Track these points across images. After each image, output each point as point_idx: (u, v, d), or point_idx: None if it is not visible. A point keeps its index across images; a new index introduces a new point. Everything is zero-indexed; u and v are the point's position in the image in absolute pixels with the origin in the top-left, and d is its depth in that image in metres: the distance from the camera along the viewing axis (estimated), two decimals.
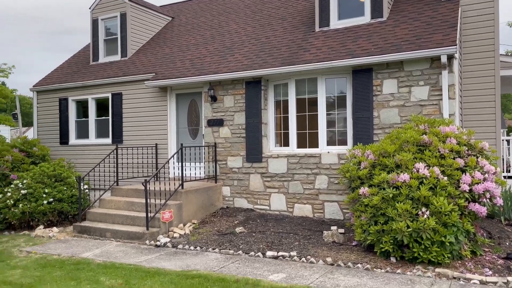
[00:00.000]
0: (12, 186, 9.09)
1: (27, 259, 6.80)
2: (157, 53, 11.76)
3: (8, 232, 8.94)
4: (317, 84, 8.62)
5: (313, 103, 8.71)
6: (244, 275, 5.52)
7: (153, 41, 12.70)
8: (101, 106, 11.59)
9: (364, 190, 6.08)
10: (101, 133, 11.52)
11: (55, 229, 8.75)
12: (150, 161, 10.45)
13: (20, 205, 8.72)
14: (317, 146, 8.64)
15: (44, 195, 8.91)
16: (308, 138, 8.79)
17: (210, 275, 5.55)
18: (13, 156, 9.93)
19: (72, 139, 11.92)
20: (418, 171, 5.81)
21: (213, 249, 6.93)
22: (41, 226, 8.88)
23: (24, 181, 9.08)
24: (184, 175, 8.64)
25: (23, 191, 8.87)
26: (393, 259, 5.85)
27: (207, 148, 9.70)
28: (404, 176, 5.77)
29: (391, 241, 5.70)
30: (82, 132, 11.86)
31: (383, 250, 5.84)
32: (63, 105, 11.99)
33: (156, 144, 10.47)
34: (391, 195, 5.74)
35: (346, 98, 8.40)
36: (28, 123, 41.50)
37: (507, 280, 4.95)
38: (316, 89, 8.64)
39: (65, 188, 9.31)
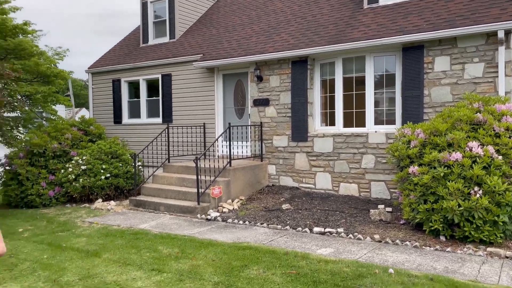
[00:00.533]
0: (72, 162, 9.76)
1: (89, 229, 7.37)
2: (204, 34, 11.99)
3: (70, 204, 9.67)
4: (365, 62, 8.52)
5: (360, 82, 8.63)
6: (293, 249, 5.73)
7: (200, 23, 12.94)
8: (152, 87, 12.06)
9: (413, 169, 6.06)
10: (152, 113, 12.01)
11: (112, 202, 9.35)
12: (198, 139, 10.82)
13: (81, 179, 9.38)
14: (364, 126, 8.60)
15: (102, 171, 9.52)
16: (354, 117, 8.76)
17: (260, 247, 5.80)
18: (73, 134, 10.61)
19: (125, 119, 12.52)
20: (471, 150, 5.70)
21: (261, 224, 7.18)
22: (100, 200, 9.52)
23: (84, 158, 9.72)
24: (231, 153, 8.92)
25: (83, 167, 9.51)
26: (442, 238, 5.83)
27: (253, 127, 9.90)
28: (456, 155, 5.68)
29: (441, 219, 5.67)
30: (134, 112, 12.41)
31: (432, 228, 5.83)
32: (116, 86, 12.57)
33: (204, 123, 10.80)
34: (442, 174, 5.69)
35: (395, 76, 8.26)
36: (79, 104, 43.60)
37: None
38: (364, 67, 8.54)
39: (120, 164, 9.88)
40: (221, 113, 10.75)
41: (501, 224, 5.35)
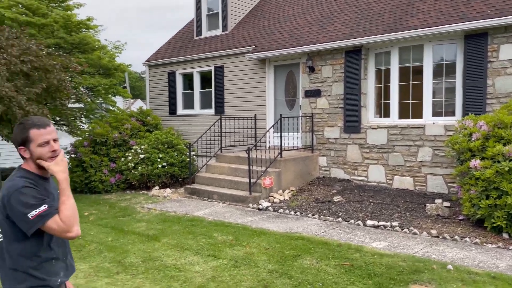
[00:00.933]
0: (131, 151, 10.27)
1: (148, 214, 7.76)
2: (256, 25, 12.07)
3: (129, 191, 10.21)
4: (423, 51, 8.20)
5: (417, 71, 8.33)
6: (346, 241, 5.71)
7: (251, 14, 13.03)
8: (205, 79, 12.35)
9: (475, 162, 5.80)
10: (204, 104, 12.32)
11: (168, 190, 9.76)
12: (249, 130, 10.97)
13: (139, 167, 9.86)
14: (420, 117, 8.31)
15: (159, 160, 9.94)
16: (411, 109, 8.48)
17: (312, 238, 5.84)
18: (131, 125, 11.15)
19: (180, 110, 12.95)
20: None
21: (313, 215, 7.21)
22: (157, 187, 9.97)
23: (142, 147, 10.20)
24: (282, 144, 8.97)
25: (141, 156, 9.99)
26: (505, 235, 5.56)
27: (304, 118, 9.88)
28: None
29: (505, 216, 5.41)
30: (188, 103, 12.80)
31: (494, 225, 5.57)
32: (171, 78, 13.01)
33: (255, 114, 10.93)
34: (506, 169, 5.40)
35: (456, 65, 7.88)
36: (134, 96, 45.51)
37: None
38: (422, 56, 8.22)
39: (175, 154, 10.27)
40: (272, 104, 10.82)
41: None
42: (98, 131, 10.43)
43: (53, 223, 1.95)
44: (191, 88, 12.64)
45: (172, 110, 13.04)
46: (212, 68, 11.86)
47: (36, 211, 1.92)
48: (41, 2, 11.60)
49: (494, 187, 5.54)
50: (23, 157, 2.11)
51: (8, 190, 1.97)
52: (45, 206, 1.94)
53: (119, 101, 25.08)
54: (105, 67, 11.95)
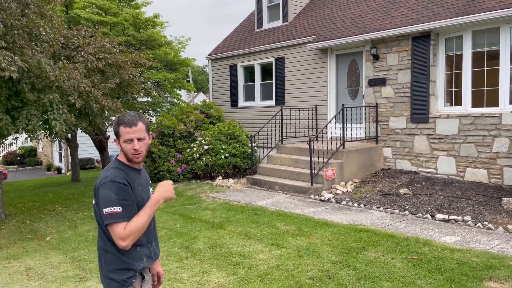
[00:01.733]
0: (196, 142, 10.66)
1: (213, 203, 8.04)
2: (317, 15, 11.89)
3: (195, 180, 10.63)
4: (499, 34, 7.61)
5: (493, 56, 7.75)
6: (413, 234, 5.53)
7: (312, 3, 12.85)
8: (265, 71, 12.44)
9: None
10: (265, 96, 12.43)
11: (231, 180, 10.02)
12: (310, 121, 10.91)
13: (204, 158, 10.22)
14: (496, 105, 7.74)
15: (222, 151, 10.23)
16: (485, 96, 7.93)
17: (377, 231, 5.72)
18: (196, 117, 11.56)
19: (241, 102, 13.18)
20: None
21: (377, 207, 7.04)
22: (220, 177, 10.27)
23: (206, 138, 10.55)
24: (344, 135, 8.82)
25: (205, 147, 10.33)
26: None
27: (368, 108, 9.62)
28: None
29: None
30: (249, 95, 12.98)
31: None
32: (232, 71, 13.26)
33: (316, 105, 10.83)
34: None
35: None
36: (197, 89, 46.98)
37: None
38: (498, 40, 7.63)
39: (237, 145, 10.50)
40: (333, 94, 10.65)
41: None
42: (165, 123, 10.94)
43: (116, 226, 2.04)
44: (252, 80, 12.80)
45: (234, 102, 13.30)
46: (273, 60, 11.90)
47: (111, 209, 2.05)
48: (113, 2, 12.33)
49: None
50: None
51: (100, 179, 2.14)
52: (119, 209, 2.05)
53: (183, 94, 26.03)
54: (171, 62, 12.46)
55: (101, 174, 2.19)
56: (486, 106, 7.90)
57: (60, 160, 22.83)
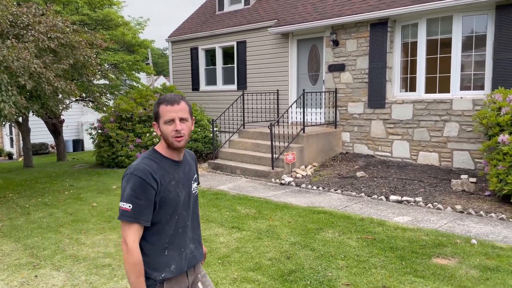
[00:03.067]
0: None
1: None
2: None
3: None
4: (452, 23, 7.91)
5: (445, 44, 8.06)
6: (368, 215, 5.74)
7: None
8: (227, 54, 12.32)
9: (503, 137, 5.66)
10: (227, 80, 12.33)
11: None
12: (271, 106, 10.96)
13: None
14: (448, 91, 8.10)
15: None
16: (438, 83, 8.27)
17: (335, 212, 5.89)
18: (156, 100, 11.28)
19: (202, 86, 13.01)
20: None
21: (335, 190, 7.24)
22: None
23: None
24: (305, 120, 8.94)
25: None
26: None
27: (327, 94, 9.78)
28: None
29: None
30: (211, 79, 12.83)
31: None
32: (193, 54, 13.03)
33: (278, 90, 10.88)
34: None
35: (486, 37, 7.59)
36: (156, 72, 45.81)
37: None
38: (450, 28, 7.94)
39: (199, 129, 10.39)
40: (294, 79, 10.73)
41: None
42: (123, 107, 10.63)
43: (125, 226, 1.86)
44: (214, 64, 12.64)
45: (195, 86, 13.11)
46: (235, 43, 11.79)
47: (122, 204, 1.86)
48: None
49: None
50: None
51: (128, 169, 1.93)
52: (129, 206, 1.84)
53: (143, 77, 25.34)
54: (128, 43, 12.06)
55: (133, 162, 2.00)
56: (439, 92, 8.25)
57: (11, 145, 21.75)
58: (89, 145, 17.89)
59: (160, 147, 1.99)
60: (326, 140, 9.29)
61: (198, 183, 2.20)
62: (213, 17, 13.16)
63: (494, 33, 7.36)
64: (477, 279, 3.70)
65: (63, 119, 12.77)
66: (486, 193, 6.36)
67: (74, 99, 11.37)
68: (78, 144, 21.95)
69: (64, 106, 10.64)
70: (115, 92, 13.79)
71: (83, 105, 13.90)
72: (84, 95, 10.03)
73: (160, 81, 34.41)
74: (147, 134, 10.46)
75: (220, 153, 9.76)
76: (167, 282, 1.96)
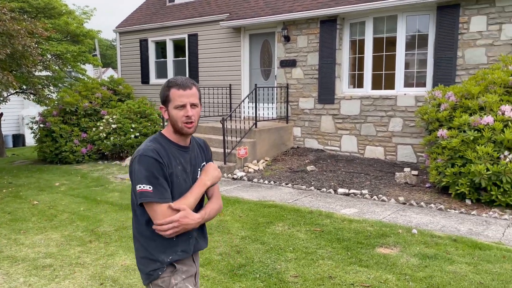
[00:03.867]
0: (103, 120, 10.05)
1: (122, 184, 7.70)
2: None
3: (102, 161, 10.07)
4: (396, 22, 8.24)
5: (391, 42, 8.39)
6: (317, 208, 5.86)
7: None
8: (178, 47, 12.07)
9: (442, 132, 5.98)
10: (178, 73, 12.09)
11: None
12: (224, 101, 10.89)
13: (111, 138, 9.69)
14: (393, 88, 8.44)
15: (131, 130, 9.79)
16: (384, 80, 8.60)
17: (285, 206, 5.97)
18: (102, 94, 10.86)
19: (153, 79, 12.67)
20: (503, 114, 5.57)
21: (286, 184, 7.33)
22: (129, 157, 9.86)
23: (114, 117, 9.99)
24: (257, 115, 8.97)
25: (113, 126, 9.79)
26: (468, 201, 5.83)
27: (279, 89, 9.87)
28: (488, 119, 5.57)
29: (468, 183, 5.65)
30: (161, 72, 12.53)
31: (458, 192, 5.83)
32: (143, 46, 12.64)
33: (230, 84, 10.83)
34: (471, 138, 5.61)
35: (428, 37, 7.98)
36: (105, 64, 44.06)
37: None
38: (395, 27, 8.27)
39: (149, 124, 10.12)
40: (247, 74, 10.73)
41: None
42: (67, 100, 10.12)
43: (148, 207, 1.81)
44: (164, 56, 12.35)
45: (145, 79, 12.75)
46: (186, 36, 11.58)
47: (140, 187, 1.79)
48: None
49: (459, 155, 5.76)
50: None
51: (135, 153, 1.87)
52: (150, 187, 1.78)
53: (90, 69, 24.25)
54: (73, 33, 11.45)
55: (139, 147, 1.91)
56: (384, 89, 8.58)
57: None
58: (30, 140, 16.90)
59: (167, 132, 1.94)
60: (278, 134, 9.39)
61: None
62: (164, 9, 12.83)
63: (435, 32, 7.75)
64: (417, 266, 3.90)
65: (1, 113, 11.94)
66: (427, 185, 6.72)
67: (13, 91, 10.66)
68: (18, 139, 20.65)
69: (2, 98, 9.95)
70: (59, 85, 13.07)
71: (24, 98, 13.08)
72: (24, 87, 9.41)
73: (109, 73, 33.16)
74: (93, 129, 10.05)
75: None
76: (177, 262, 1.94)
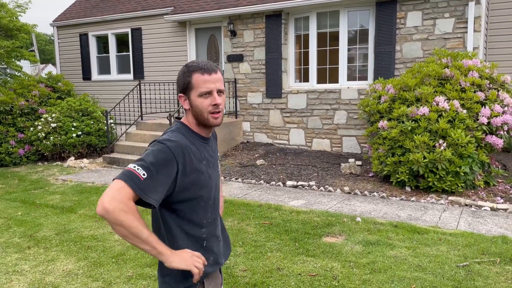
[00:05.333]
0: (41, 119, 9.50)
1: (63, 186, 7.33)
2: None
3: (42, 163, 9.52)
4: (339, 17, 8.47)
5: (334, 37, 8.62)
6: (266, 201, 5.92)
7: None
8: (121, 42, 11.65)
9: (383, 123, 6.24)
10: (122, 69, 11.68)
11: (85, 160, 9.26)
12: (171, 96, 10.67)
13: (51, 137, 9.19)
14: (337, 82, 8.68)
15: (73, 129, 9.33)
16: (328, 74, 8.82)
17: (235, 201, 5.97)
18: (40, 91, 10.26)
19: (95, 75, 12.14)
20: (437, 104, 5.90)
21: (236, 179, 7.33)
22: (72, 158, 9.40)
23: (53, 115, 9.47)
24: None
25: (52, 125, 9.28)
26: (408, 189, 6.15)
27: (227, 84, 9.82)
28: (424, 109, 5.88)
29: (407, 171, 5.95)
30: (104, 68, 12.04)
31: (398, 180, 6.12)
32: (83, 40, 12.07)
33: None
34: (409, 128, 5.90)
35: (369, 32, 8.28)
36: (44, 60, 41.67)
37: None
38: (338, 22, 8.50)
39: (92, 122, 9.70)
40: None
41: (462, 174, 5.66)
42: (1, 98, 9.45)
43: (117, 185, 1.44)
44: (107, 51, 11.87)
45: (86, 75, 12.19)
46: (129, 30, 11.20)
47: (135, 167, 1.47)
48: None
49: (399, 145, 6.04)
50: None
51: (158, 138, 1.61)
52: (144, 175, 1.46)
53: (27, 66, 22.84)
54: (5, 27, 10.69)
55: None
56: (329, 83, 8.80)
57: None
58: None
59: (188, 122, 1.67)
60: (227, 130, 9.35)
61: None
62: (104, 2, 12.31)
63: (375, 28, 8.05)
64: (361, 253, 4.05)
65: None
66: (370, 175, 6.99)
67: None
68: None
69: None
70: None
71: None
72: None
73: (49, 70, 31.42)
74: (31, 129, 9.47)
75: (116, 147, 9.25)
76: (206, 279, 1.68)
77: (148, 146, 1.59)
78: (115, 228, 1.44)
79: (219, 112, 1.62)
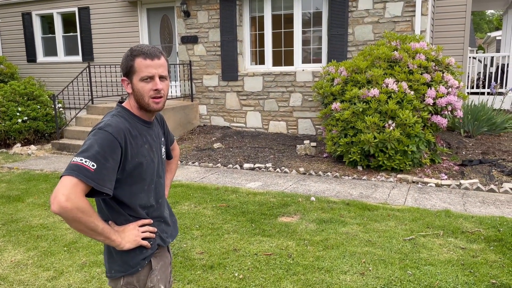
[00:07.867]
0: None
1: (9, 174, 6.97)
2: None
3: None
4: None
5: (289, 20, 8.64)
6: (223, 184, 5.94)
7: None
8: (69, 22, 11.05)
9: (336, 105, 6.39)
10: (70, 50, 11.12)
11: (32, 147, 8.83)
12: None
13: None
14: (292, 64, 8.75)
15: (18, 114, 8.84)
16: (283, 56, 8.85)
17: (192, 185, 5.94)
18: None
19: (40, 57, 11.49)
20: (387, 86, 6.11)
21: (193, 163, 7.28)
22: (18, 144, 8.93)
23: None
24: None
25: None
26: (360, 168, 6.37)
27: (182, 66, 9.63)
28: (374, 91, 6.07)
29: (359, 151, 6.16)
30: (50, 50, 11.40)
31: (351, 160, 6.33)
32: (26, 20, 11.34)
33: None
34: (361, 109, 6.08)
35: (322, 15, 8.37)
36: None
37: (460, 183, 5.57)
38: (292, 4, 8.51)
39: (38, 106, 9.22)
40: None
41: (410, 153, 5.94)
42: None
43: (67, 181, 1.43)
44: (53, 32, 11.24)
45: (31, 57, 11.51)
46: (76, 10, 10.64)
47: (81, 160, 1.46)
48: None
49: (351, 126, 6.22)
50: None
51: (95, 126, 1.59)
52: (93, 165, 1.46)
53: None
54: None
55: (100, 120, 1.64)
56: (284, 65, 8.86)
57: None
58: None
59: (129, 106, 1.69)
60: (183, 113, 9.21)
61: (167, 148, 1.96)
62: None
63: (328, 10, 8.15)
64: (315, 231, 4.18)
65: None
66: (324, 155, 7.17)
67: None
68: None
69: None
70: None
71: None
72: None
73: None
74: None
75: (66, 132, 8.87)
76: (153, 258, 1.74)
77: (89, 134, 1.59)
78: (71, 224, 1.48)
79: (160, 97, 1.65)
